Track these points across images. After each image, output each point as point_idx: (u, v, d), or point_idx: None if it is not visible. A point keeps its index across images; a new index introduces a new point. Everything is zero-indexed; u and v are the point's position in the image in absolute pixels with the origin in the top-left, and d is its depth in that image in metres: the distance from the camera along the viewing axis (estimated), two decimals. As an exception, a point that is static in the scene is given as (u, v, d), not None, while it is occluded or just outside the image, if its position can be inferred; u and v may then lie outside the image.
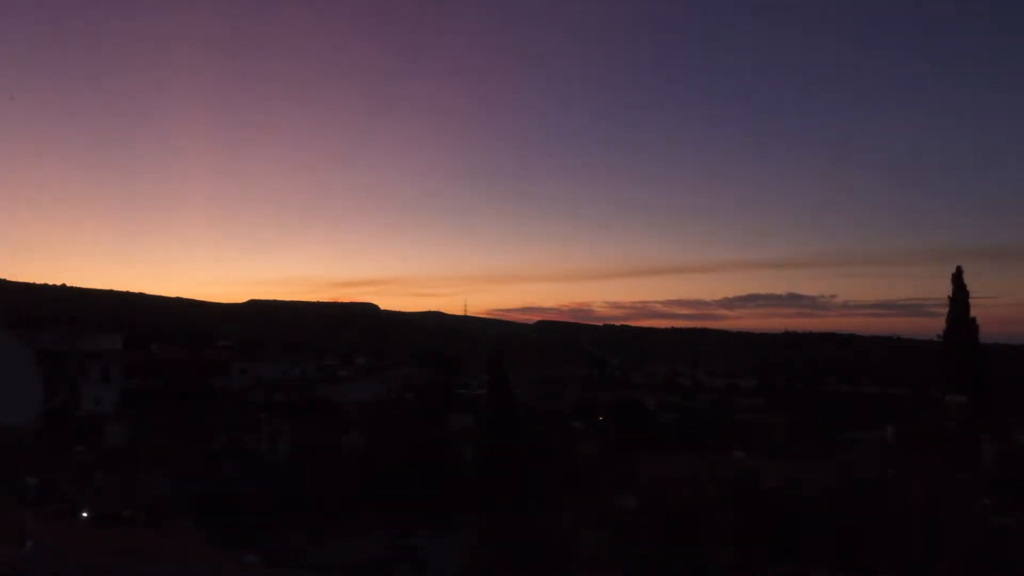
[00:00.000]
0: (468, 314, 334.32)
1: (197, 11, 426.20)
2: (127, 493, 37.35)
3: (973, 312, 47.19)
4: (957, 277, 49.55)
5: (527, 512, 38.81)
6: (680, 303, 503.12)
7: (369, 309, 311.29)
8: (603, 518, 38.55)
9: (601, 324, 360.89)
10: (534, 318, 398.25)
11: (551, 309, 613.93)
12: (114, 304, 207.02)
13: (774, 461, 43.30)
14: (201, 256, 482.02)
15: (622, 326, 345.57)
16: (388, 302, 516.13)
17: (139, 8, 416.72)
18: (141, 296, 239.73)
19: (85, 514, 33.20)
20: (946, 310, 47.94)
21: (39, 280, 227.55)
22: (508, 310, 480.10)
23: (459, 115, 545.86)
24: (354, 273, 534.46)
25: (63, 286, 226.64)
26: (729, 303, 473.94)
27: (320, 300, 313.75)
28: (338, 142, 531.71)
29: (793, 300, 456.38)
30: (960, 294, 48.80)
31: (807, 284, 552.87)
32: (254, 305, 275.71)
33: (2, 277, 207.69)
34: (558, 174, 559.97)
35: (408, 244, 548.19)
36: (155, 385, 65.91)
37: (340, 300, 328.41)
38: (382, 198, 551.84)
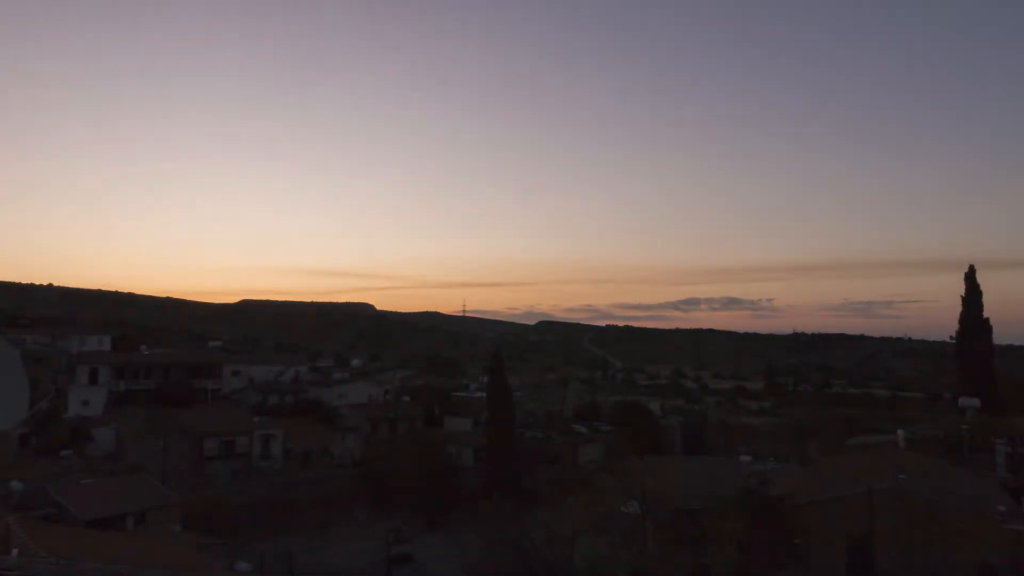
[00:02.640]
0: (466, 314, 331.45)
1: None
2: (116, 498, 36.19)
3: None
4: (970, 276, 47.65)
5: (528, 517, 37.88)
6: (624, 306, 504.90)
7: (365, 309, 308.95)
8: (606, 523, 37.66)
9: (604, 324, 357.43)
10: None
11: (499, 312, 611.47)
12: (103, 304, 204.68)
13: (782, 465, 42.58)
14: (193, 254, 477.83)
15: (624, 327, 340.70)
16: (385, 302, 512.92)
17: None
18: (131, 296, 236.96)
19: (73, 520, 32.00)
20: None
21: (26, 280, 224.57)
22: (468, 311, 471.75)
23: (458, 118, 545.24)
24: (349, 270, 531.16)
25: (50, 286, 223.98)
26: (675, 306, 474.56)
27: (315, 300, 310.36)
28: (331, 136, 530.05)
29: (735, 303, 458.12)
30: (973, 294, 46.96)
31: (740, 289, 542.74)
32: (247, 305, 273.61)
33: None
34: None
35: (406, 242, 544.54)
36: (145, 387, 64.80)
37: (335, 300, 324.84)
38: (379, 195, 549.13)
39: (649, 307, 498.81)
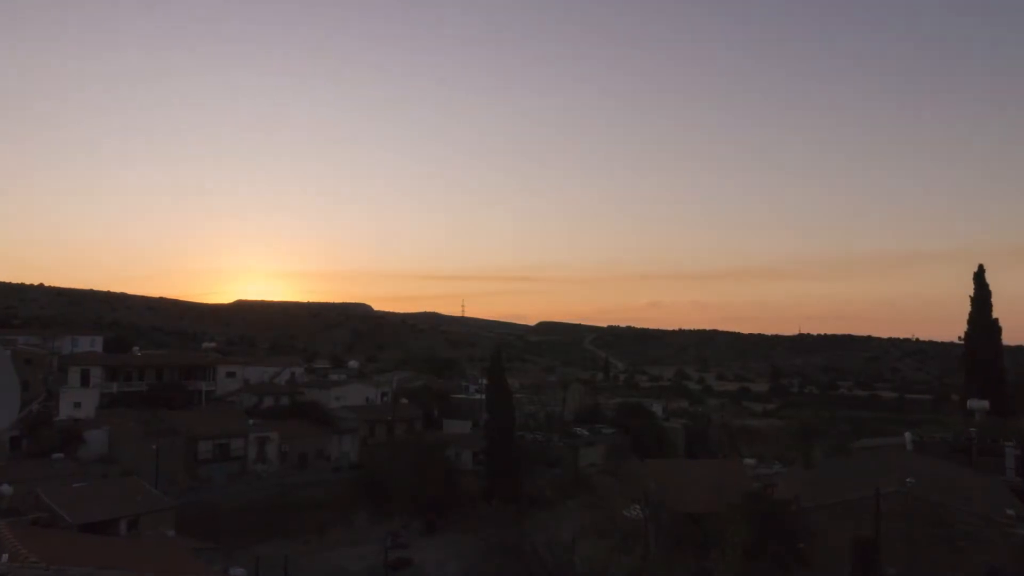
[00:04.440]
0: (466, 315, 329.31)
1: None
2: (108, 502, 35.43)
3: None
4: (979, 276, 47.46)
5: (528, 521, 37.37)
6: (607, 309, 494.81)
7: (362, 310, 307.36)
8: (607, 527, 37.11)
9: (605, 325, 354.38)
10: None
11: (498, 313, 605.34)
12: (95, 305, 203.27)
13: (786, 468, 42.20)
14: (187, 254, 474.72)
15: (627, 327, 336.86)
16: (382, 302, 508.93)
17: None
18: (123, 296, 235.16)
19: (64, 525, 31.32)
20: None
21: (17, 280, 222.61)
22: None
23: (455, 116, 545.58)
24: (346, 270, 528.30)
25: (41, 286, 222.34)
26: (641, 308, 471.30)
27: (311, 300, 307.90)
28: (328, 135, 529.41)
29: (699, 307, 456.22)
30: (982, 293, 46.64)
31: (697, 292, 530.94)
32: (241, 305, 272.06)
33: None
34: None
35: (404, 241, 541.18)
36: (138, 389, 64.25)
37: (332, 300, 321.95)
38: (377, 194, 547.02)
39: (626, 309, 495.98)
